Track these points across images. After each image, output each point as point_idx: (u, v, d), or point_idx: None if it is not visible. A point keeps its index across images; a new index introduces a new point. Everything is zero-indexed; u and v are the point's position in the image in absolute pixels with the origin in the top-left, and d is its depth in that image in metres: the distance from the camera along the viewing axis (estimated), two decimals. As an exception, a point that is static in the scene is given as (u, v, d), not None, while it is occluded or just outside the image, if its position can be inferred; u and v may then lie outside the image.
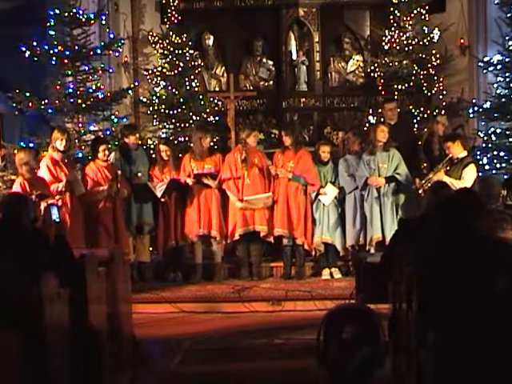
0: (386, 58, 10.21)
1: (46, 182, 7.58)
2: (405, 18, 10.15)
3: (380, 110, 9.72)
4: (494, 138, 9.35)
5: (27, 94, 9.11)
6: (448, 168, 7.84)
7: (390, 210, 8.18)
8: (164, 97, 10.31)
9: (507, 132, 9.34)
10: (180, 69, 10.28)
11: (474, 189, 6.86)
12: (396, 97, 9.79)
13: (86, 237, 7.84)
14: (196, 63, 10.55)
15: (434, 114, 9.68)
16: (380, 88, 10.19)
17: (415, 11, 10.15)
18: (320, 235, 8.54)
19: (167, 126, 10.36)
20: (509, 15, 9.40)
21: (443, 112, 9.66)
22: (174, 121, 10.23)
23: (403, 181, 8.22)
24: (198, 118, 10.16)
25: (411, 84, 9.94)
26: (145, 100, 10.56)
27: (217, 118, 10.39)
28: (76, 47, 9.22)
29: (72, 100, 9.14)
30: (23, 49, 9.09)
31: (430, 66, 10.07)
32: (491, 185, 6.22)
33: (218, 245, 8.67)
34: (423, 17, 10.24)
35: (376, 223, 8.19)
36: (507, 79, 9.38)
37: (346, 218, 8.50)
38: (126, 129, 8.82)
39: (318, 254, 8.66)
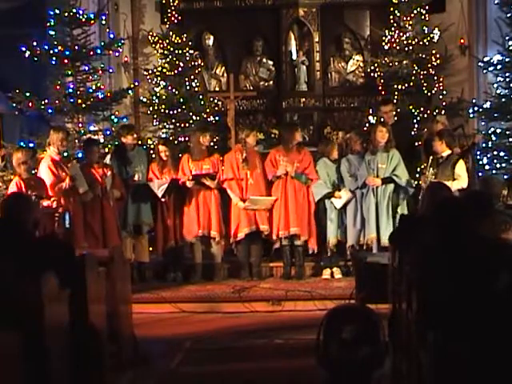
0: (386, 58, 10.21)
1: (45, 183, 7.56)
2: (405, 18, 10.15)
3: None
4: (494, 138, 9.36)
5: (27, 94, 9.11)
6: (434, 169, 7.88)
7: (385, 210, 8.20)
8: (164, 97, 10.32)
9: (507, 132, 9.34)
10: (180, 69, 10.29)
11: (482, 190, 6.87)
12: (396, 97, 9.80)
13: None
14: (196, 63, 10.55)
15: (434, 113, 9.70)
16: (380, 88, 10.19)
17: (415, 11, 10.15)
18: (336, 235, 8.54)
19: (167, 126, 10.37)
20: (509, 15, 9.41)
21: (443, 112, 9.67)
22: (174, 121, 10.24)
23: (400, 182, 8.24)
24: (198, 117, 10.17)
25: (411, 84, 9.94)
26: (145, 100, 10.56)
27: (217, 118, 10.39)
28: (76, 47, 9.23)
29: (72, 100, 9.14)
30: (23, 49, 9.09)
31: (430, 65, 10.07)
32: (492, 185, 6.23)
33: (218, 245, 8.67)
34: (423, 17, 10.24)
35: (372, 223, 8.22)
36: (507, 79, 9.38)
37: (347, 218, 8.51)
38: (123, 128, 8.78)
39: (329, 254, 8.64)
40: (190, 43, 10.55)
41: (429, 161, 7.99)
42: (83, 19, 9.28)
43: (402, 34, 10.12)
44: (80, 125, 9.26)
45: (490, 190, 5.98)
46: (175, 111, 10.16)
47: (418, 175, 8.83)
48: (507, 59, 9.36)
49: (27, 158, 7.37)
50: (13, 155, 7.63)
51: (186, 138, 9.93)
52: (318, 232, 8.60)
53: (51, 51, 9.12)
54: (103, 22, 9.89)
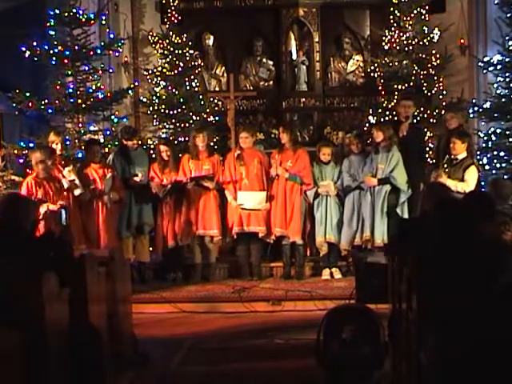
0: (386, 58, 10.21)
1: (61, 183, 7.54)
2: (405, 18, 10.14)
3: (380, 109, 9.77)
4: (494, 138, 9.36)
5: (27, 94, 9.11)
6: (447, 168, 7.84)
7: (379, 210, 8.20)
8: (164, 97, 10.31)
9: (507, 132, 9.34)
10: (180, 69, 10.28)
11: (486, 191, 6.85)
12: (396, 97, 9.79)
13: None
14: (196, 63, 10.54)
15: (434, 113, 9.71)
16: (380, 88, 10.19)
17: (415, 11, 10.14)
18: (323, 235, 8.54)
19: (167, 126, 10.36)
20: (509, 15, 9.41)
21: (443, 111, 9.66)
22: (174, 121, 10.23)
23: (396, 183, 8.23)
24: (197, 118, 10.16)
25: (411, 84, 9.93)
26: (145, 100, 10.56)
27: (217, 118, 10.39)
28: (76, 47, 9.23)
29: (72, 100, 9.14)
30: (23, 49, 9.10)
31: (430, 66, 10.07)
32: (502, 186, 6.21)
33: (215, 245, 8.67)
34: (423, 17, 10.23)
35: (367, 223, 8.24)
36: (507, 79, 9.38)
37: (344, 218, 8.52)
38: (126, 133, 8.65)
39: (322, 254, 8.65)
40: (190, 43, 10.54)
41: (442, 161, 7.94)
42: (83, 19, 9.28)
43: (402, 34, 10.11)
44: (80, 125, 9.26)
45: (499, 192, 5.97)
46: (175, 111, 10.15)
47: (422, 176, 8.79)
48: (507, 59, 9.37)
49: (45, 157, 7.30)
50: (32, 154, 7.53)
51: (186, 138, 9.93)
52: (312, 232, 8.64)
53: (51, 51, 9.12)
54: (103, 22, 9.89)
